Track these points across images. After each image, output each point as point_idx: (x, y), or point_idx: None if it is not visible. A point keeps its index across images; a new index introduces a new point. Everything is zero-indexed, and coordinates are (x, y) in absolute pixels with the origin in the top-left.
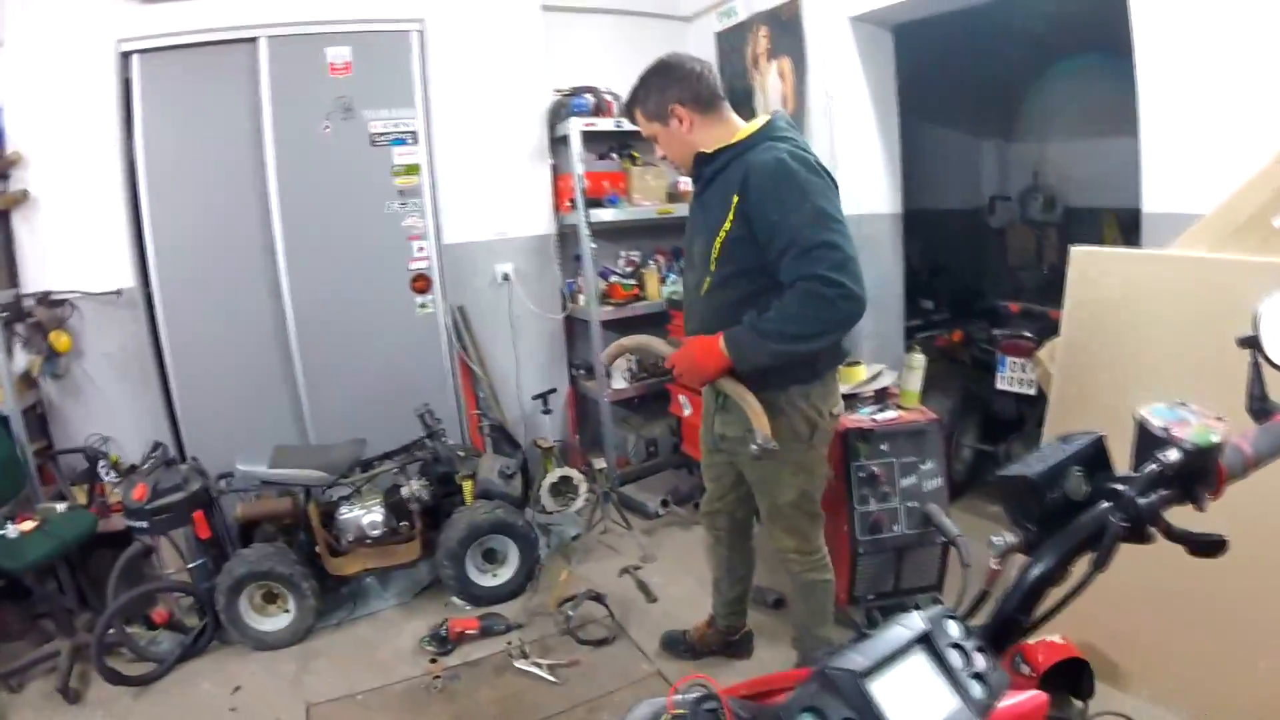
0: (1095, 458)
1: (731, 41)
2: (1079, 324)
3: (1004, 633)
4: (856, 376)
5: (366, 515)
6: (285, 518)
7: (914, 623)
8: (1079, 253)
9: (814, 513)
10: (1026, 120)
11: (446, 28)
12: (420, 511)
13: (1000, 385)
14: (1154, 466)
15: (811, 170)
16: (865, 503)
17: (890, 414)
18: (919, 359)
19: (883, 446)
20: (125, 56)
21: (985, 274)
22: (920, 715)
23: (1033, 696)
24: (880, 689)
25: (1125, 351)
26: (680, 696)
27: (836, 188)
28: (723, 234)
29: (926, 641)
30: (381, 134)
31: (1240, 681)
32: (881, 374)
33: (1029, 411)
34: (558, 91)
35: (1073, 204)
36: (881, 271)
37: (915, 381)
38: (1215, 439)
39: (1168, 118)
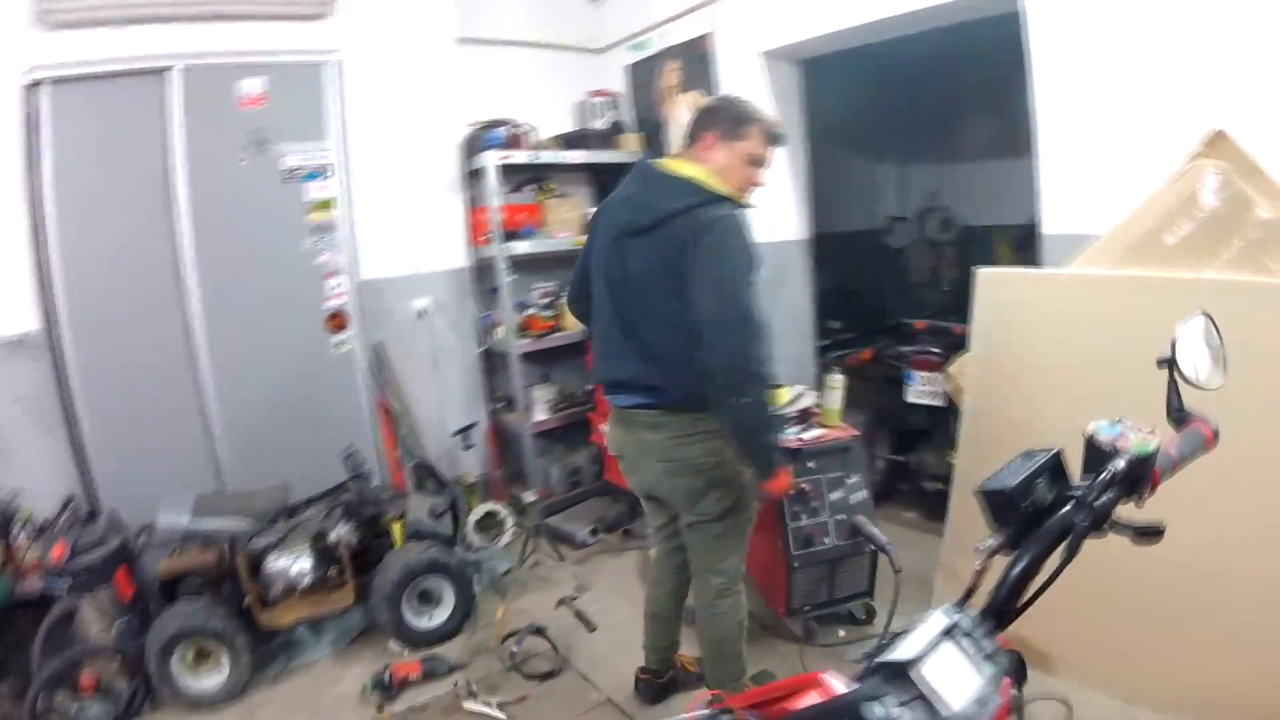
0: (1055, 469)
1: (642, 75)
2: (986, 340)
3: (998, 620)
4: (780, 399)
5: (295, 563)
6: (212, 570)
7: (940, 619)
8: (984, 274)
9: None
10: (923, 144)
11: (363, 59)
12: (350, 556)
13: (910, 398)
14: (1106, 474)
15: None
16: (797, 519)
17: (815, 432)
18: (838, 379)
19: (810, 464)
20: (32, 87)
21: (888, 293)
22: (957, 692)
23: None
24: (927, 673)
25: (1031, 365)
26: (699, 711)
27: None
28: None
29: (949, 633)
30: (296, 168)
31: (1161, 663)
32: (803, 395)
33: (937, 422)
34: (473, 124)
35: (968, 223)
36: (793, 296)
37: (836, 400)
38: (1151, 448)
39: (1063, 143)
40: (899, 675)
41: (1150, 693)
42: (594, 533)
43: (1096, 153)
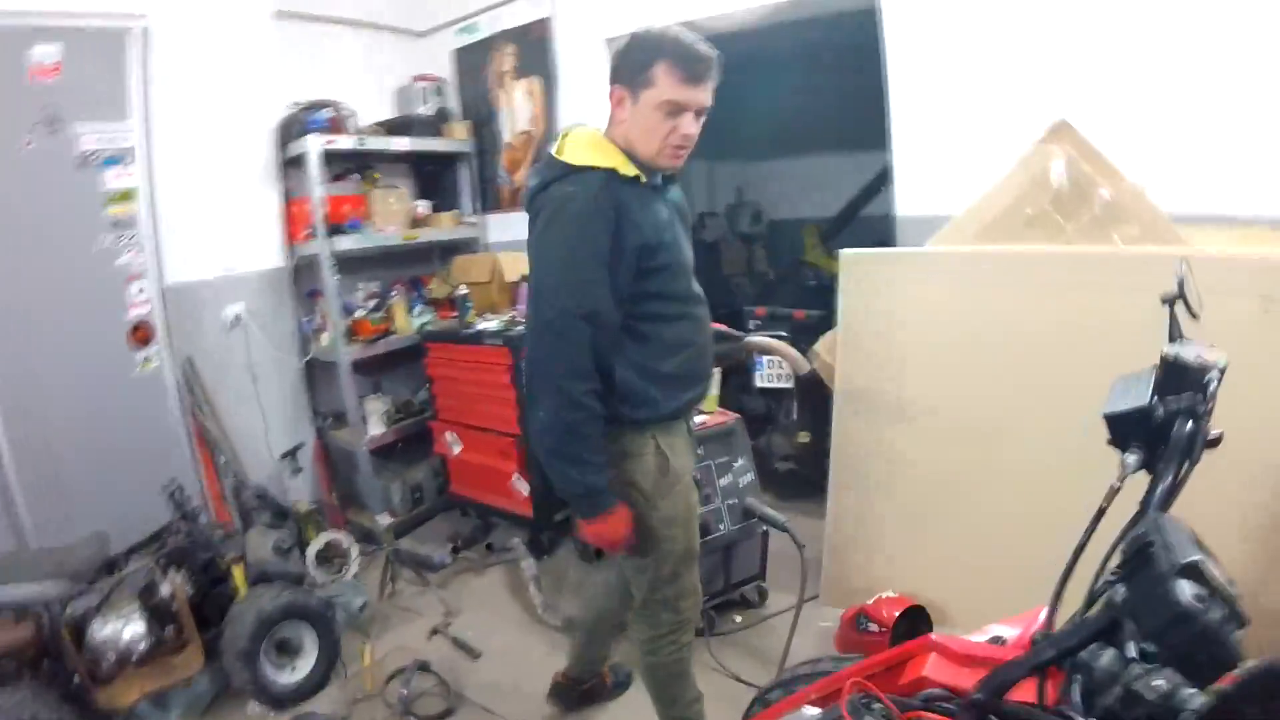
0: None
1: (472, 59)
2: (854, 319)
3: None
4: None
5: (126, 627)
6: (28, 649)
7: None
8: (848, 254)
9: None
10: (732, 141)
11: (171, 27)
12: (188, 610)
13: (760, 384)
14: (1212, 384)
15: None
16: None
17: (697, 419)
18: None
19: (699, 451)
20: None
21: (713, 286)
22: None
23: None
24: None
25: (900, 340)
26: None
27: None
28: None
29: None
30: (94, 151)
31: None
32: None
33: (776, 406)
34: (293, 106)
35: (776, 217)
36: None
37: (714, 386)
38: (1225, 361)
39: (916, 131)
40: None
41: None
42: (454, 552)
43: (947, 140)
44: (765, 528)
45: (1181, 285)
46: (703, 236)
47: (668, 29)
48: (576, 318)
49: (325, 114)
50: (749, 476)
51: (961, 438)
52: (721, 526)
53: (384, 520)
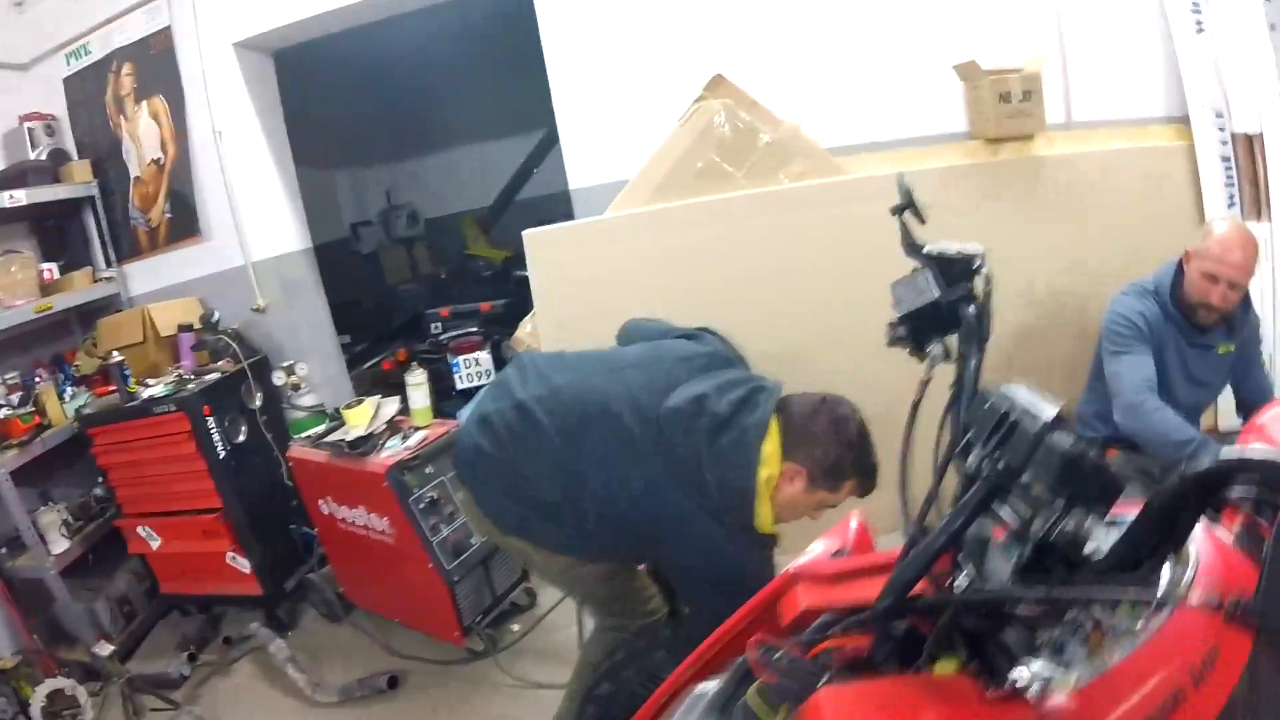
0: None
1: (86, 87)
2: (549, 297)
3: None
4: (364, 416)
5: None
6: None
7: None
8: (530, 234)
9: None
10: (375, 144)
11: None
12: None
13: (461, 384)
14: (985, 269)
15: None
16: (437, 530)
17: (419, 436)
18: (420, 374)
19: (428, 469)
20: None
21: (380, 297)
22: None
23: None
24: None
25: (594, 307)
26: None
27: None
28: None
29: None
30: None
31: None
32: (382, 405)
33: None
34: None
35: (431, 215)
36: (313, 312)
37: (423, 398)
38: (983, 248)
39: (578, 103)
40: None
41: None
42: (192, 659)
43: (610, 107)
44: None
45: (908, 195)
46: (358, 249)
47: (859, 434)
48: None
49: None
50: None
51: None
52: (474, 540)
53: (104, 650)
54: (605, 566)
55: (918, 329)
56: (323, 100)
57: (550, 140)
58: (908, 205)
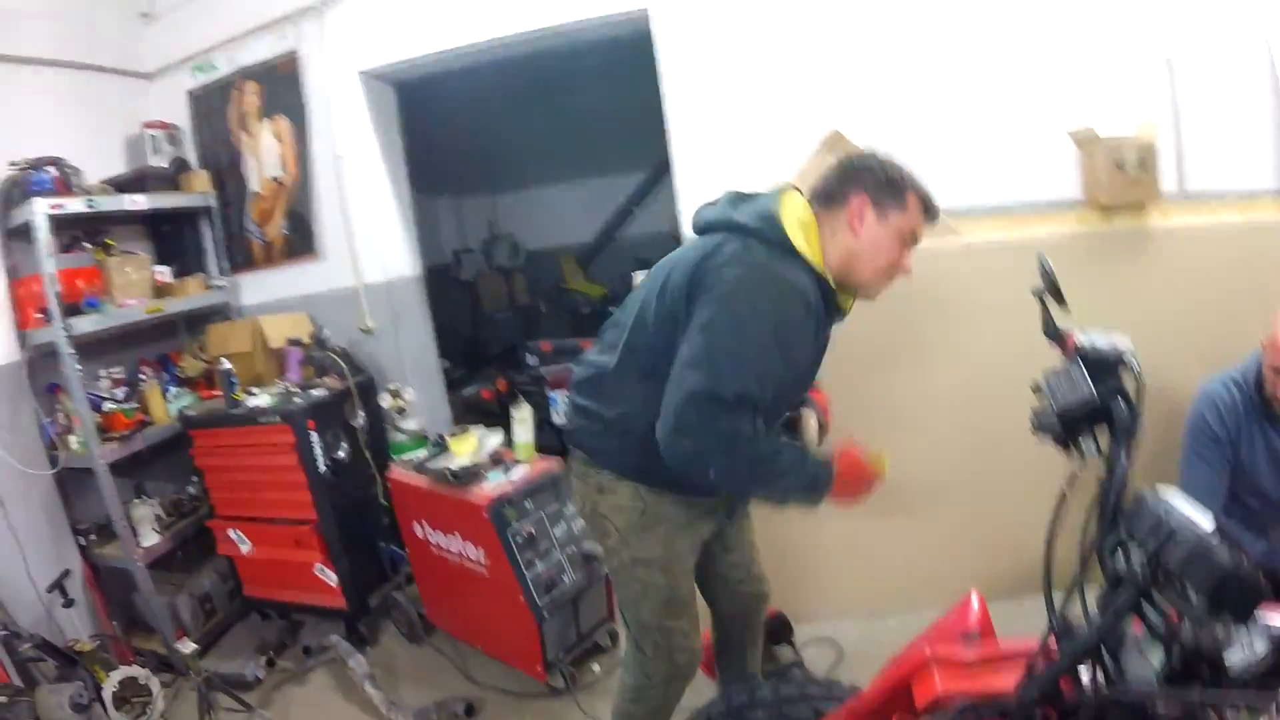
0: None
1: (210, 101)
2: None
3: None
4: (469, 446)
5: None
6: None
7: None
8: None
9: None
10: (479, 175)
11: None
12: None
13: (558, 419)
14: (1135, 366)
15: None
16: (532, 566)
17: (520, 471)
18: (526, 409)
19: (528, 504)
20: None
21: (478, 325)
22: None
23: None
24: None
25: None
26: None
27: None
28: None
29: None
30: None
31: (882, 573)
32: (486, 437)
33: None
34: (11, 165)
35: (531, 247)
36: (419, 338)
37: (527, 433)
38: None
39: (695, 152)
40: None
41: (883, 601)
42: (270, 664)
43: (727, 156)
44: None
45: (1050, 277)
46: (459, 275)
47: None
48: (746, 404)
49: (50, 173)
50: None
51: None
52: (566, 578)
53: (186, 647)
54: (671, 534)
55: (1067, 421)
56: (433, 128)
57: (651, 181)
58: (1050, 288)
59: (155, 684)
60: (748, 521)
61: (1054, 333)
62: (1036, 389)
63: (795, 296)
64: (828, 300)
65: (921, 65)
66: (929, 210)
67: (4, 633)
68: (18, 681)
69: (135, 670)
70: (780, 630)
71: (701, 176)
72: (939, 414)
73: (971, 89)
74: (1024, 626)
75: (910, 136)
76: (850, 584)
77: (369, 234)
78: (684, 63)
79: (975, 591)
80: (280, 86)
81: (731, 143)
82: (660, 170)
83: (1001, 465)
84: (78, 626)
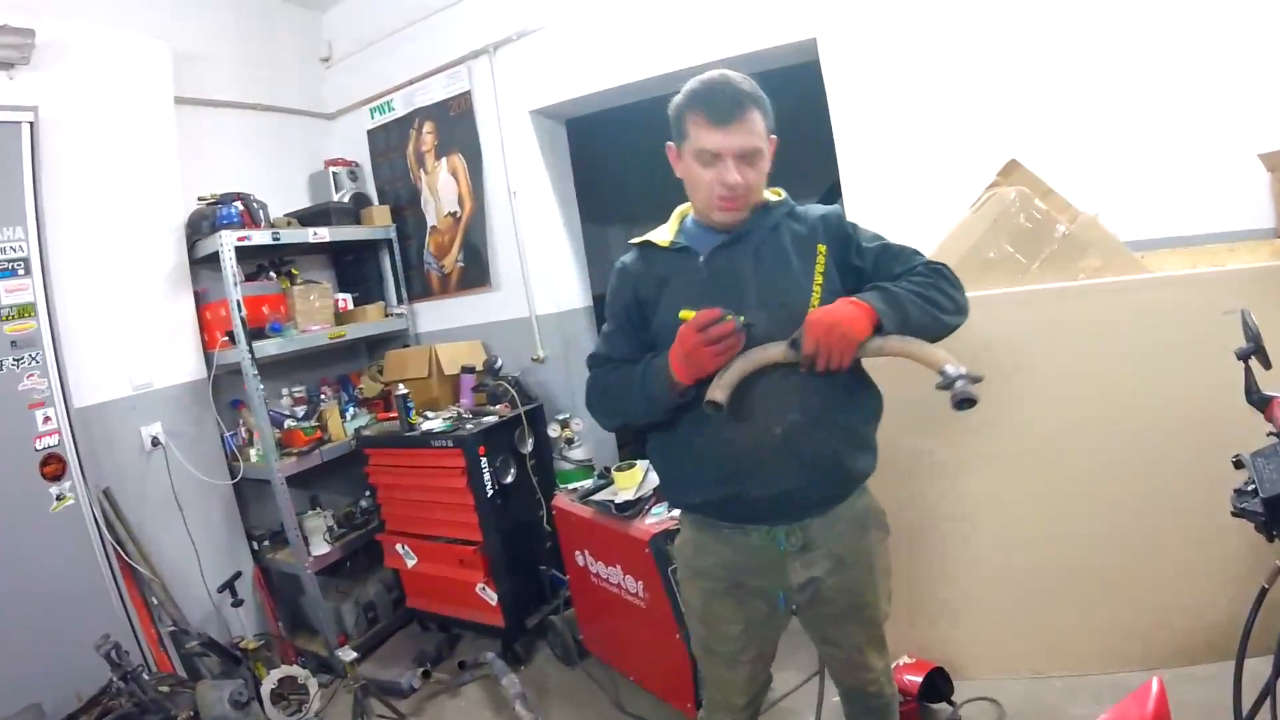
0: None
1: (388, 139)
2: None
3: None
4: (635, 479)
5: None
6: None
7: None
8: None
9: None
10: (652, 204)
11: (64, 119)
12: None
13: None
14: None
15: None
16: None
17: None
18: None
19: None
20: None
21: None
22: None
23: None
24: None
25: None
26: None
27: None
28: (819, 290)
29: None
30: None
31: (1047, 634)
32: (651, 472)
33: None
34: (201, 200)
35: None
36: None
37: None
38: None
39: (865, 182)
40: None
41: (1049, 661)
42: (426, 675)
43: (898, 189)
44: None
45: (1256, 337)
46: None
47: (706, 74)
48: (598, 360)
49: (237, 206)
50: None
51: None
52: None
53: (348, 655)
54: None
55: (1274, 510)
56: (604, 158)
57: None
58: (1255, 350)
59: (313, 684)
60: (857, 628)
61: (1259, 400)
62: (1239, 464)
63: (618, 277)
64: (673, 251)
65: (1099, 88)
66: (713, 117)
67: (173, 628)
68: (181, 671)
69: (295, 670)
70: (939, 687)
71: (872, 201)
72: (1116, 463)
73: (1151, 111)
74: (1197, 694)
75: (1089, 163)
76: (1015, 641)
77: (541, 265)
78: (852, 89)
79: (1157, 678)
80: (455, 125)
81: (902, 167)
82: (830, 195)
83: (1179, 524)
84: (244, 626)
